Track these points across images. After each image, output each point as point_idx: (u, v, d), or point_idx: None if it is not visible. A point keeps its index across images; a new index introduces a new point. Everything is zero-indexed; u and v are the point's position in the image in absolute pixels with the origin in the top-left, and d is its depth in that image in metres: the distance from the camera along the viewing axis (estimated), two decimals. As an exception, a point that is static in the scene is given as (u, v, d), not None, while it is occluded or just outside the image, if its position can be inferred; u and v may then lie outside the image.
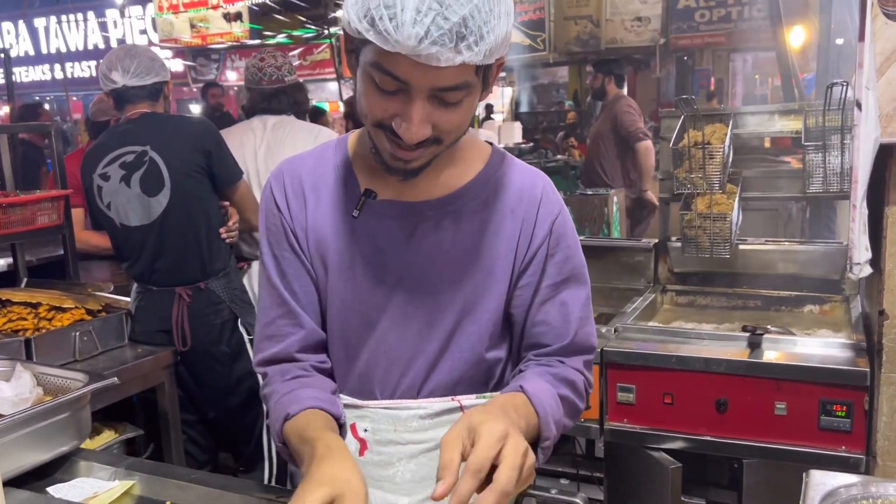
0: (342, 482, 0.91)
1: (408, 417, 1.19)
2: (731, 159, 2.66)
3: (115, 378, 1.49)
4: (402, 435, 1.20)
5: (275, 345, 1.19)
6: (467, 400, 1.20)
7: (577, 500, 1.09)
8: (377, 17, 0.91)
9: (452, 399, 1.20)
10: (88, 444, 1.55)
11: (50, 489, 1.31)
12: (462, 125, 1.07)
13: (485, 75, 1.03)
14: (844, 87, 2.37)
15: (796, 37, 6.41)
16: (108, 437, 2.29)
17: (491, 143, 1.25)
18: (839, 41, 4.63)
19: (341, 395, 1.23)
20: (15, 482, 1.29)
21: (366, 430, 1.21)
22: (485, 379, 1.23)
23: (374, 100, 1.02)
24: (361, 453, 1.21)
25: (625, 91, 5.32)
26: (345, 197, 1.18)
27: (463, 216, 1.16)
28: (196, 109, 17.12)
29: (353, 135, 1.24)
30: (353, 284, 1.17)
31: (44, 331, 2.23)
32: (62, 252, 2.88)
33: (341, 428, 1.13)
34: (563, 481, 2.82)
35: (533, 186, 1.18)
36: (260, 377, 1.23)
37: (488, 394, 1.23)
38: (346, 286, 1.18)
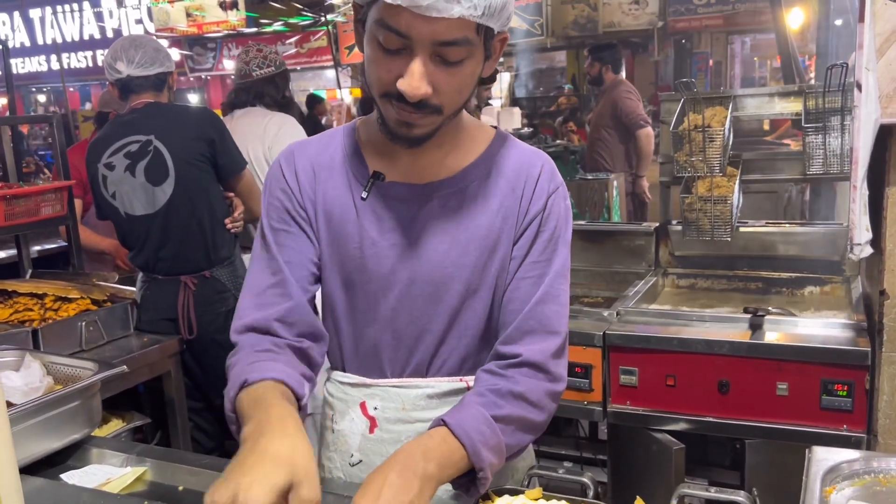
0: (300, 468, 0.88)
1: (416, 396, 1.22)
2: (731, 142, 2.67)
3: (125, 366, 1.50)
4: (410, 413, 1.22)
5: (257, 311, 1.16)
6: (473, 381, 1.22)
7: (585, 480, 1.10)
8: None
9: (460, 380, 1.23)
10: (96, 433, 1.57)
11: (63, 476, 1.33)
12: (462, 91, 1.08)
13: (486, 41, 1.05)
14: (844, 69, 2.37)
15: (795, 18, 6.39)
16: (115, 425, 2.31)
17: (496, 127, 1.27)
18: (838, 22, 4.63)
19: (348, 374, 1.25)
20: (28, 470, 1.30)
21: (375, 409, 1.23)
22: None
23: (380, 62, 1.04)
24: (371, 431, 1.24)
25: (623, 75, 5.31)
26: (354, 179, 1.20)
27: (467, 196, 1.18)
28: (194, 99, 17.11)
29: (361, 121, 1.26)
30: (360, 264, 1.19)
31: (50, 321, 2.25)
32: (64, 243, 2.90)
33: (301, 410, 1.07)
34: (567, 464, 2.84)
35: (531, 165, 1.20)
36: (234, 346, 1.18)
37: None
38: (354, 266, 1.20)
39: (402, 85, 1.02)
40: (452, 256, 1.17)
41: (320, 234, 1.21)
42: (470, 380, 1.22)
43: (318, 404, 1.35)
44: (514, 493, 1.04)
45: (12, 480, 1.00)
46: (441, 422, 1.05)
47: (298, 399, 1.07)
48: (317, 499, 0.87)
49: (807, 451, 0.88)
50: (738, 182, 2.63)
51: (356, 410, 1.25)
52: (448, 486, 1.06)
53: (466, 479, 1.06)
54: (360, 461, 1.26)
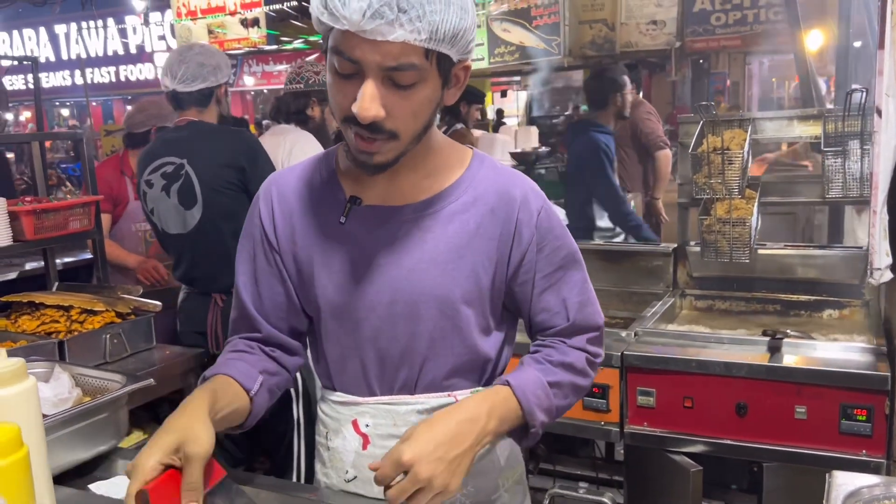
0: (188, 430, 1.00)
1: (406, 412, 1.25)
2: (750, 164, 2.68)
3: (152, 379, 1.53)
4: (402, 429, 1.23)
5: (232, 335, 1.33)
6: (462, 395, 1.25)
7: (605, 500, 1.11)
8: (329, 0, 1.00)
9: (448, 395, 1.25)
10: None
11: (91, 486, 1.36)
12: (417, 116, 1.11)
13: (440, 67, 1.08)
14: (864, 94, 2.38)
15: (814, 40, 6.39)
16: (137, 437, 2.34)
17: (472, 148, 1.30)
18: (857, 44, 4.62)
19: (339, 393, 1.29)
20: (57, 480, 1.33)
21: (367, 426, 1.27)
22: (478, 372, 1.28)
23: (337, 87, 1.09)
24: (364, 447, 1.27)
25: (640, 95, 5.32)
26: (331, 205, 1.24)
27: (444, 218, 1.21)
28: (213, 114, 17.23)
29: (342, 145, 1.28)
30: (343, 287, 1.23)
31: (76, 333, 2.29)
32: (89, 256, 2.95)
33: (252, 401, 1.20)
34: (583, 484, 2.84)
35: (513, 186, 1.23)
36: None
37: (482, 388, 1.27)
38: (337, 289, 1.23)
39: (354, 107, 1.05)
40: (432, 277, 1.20)
41: (300, 262, 1.26)
42: (458, 395, 1.25)
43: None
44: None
45: (46, 490, 1.03)
46: (505, 381, 1.18)
47: (248, 391, 1.19)
48: (200, 452, 0.99)
49: (827, 475, 0.89)
50: (756, 204, 2.64)
51: (348, 428, 1.28)
52: None
53: (518, 431, 1.22)
54: (355, 477, 1.29)
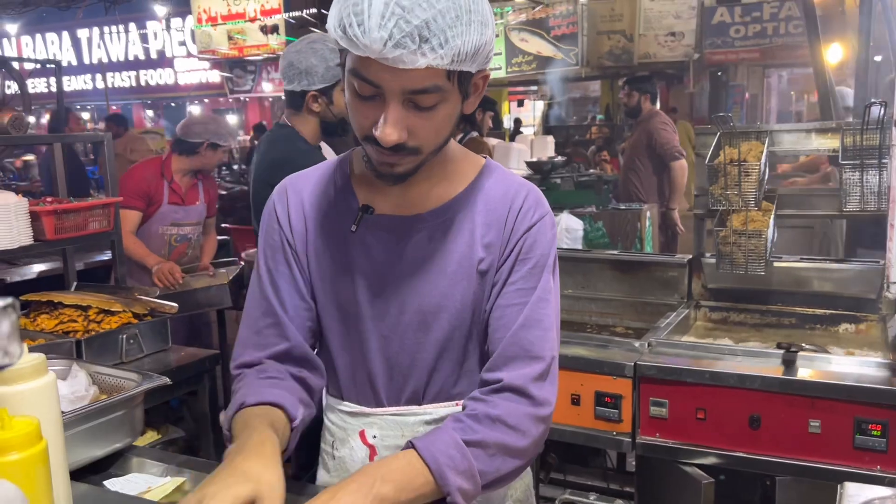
0: (266, 485, 0.92)
1: (414, 423, 1.25)
2: (766, 177, 2.67)
3: (167, 378, 1.55)
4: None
5: (258, 352, 1.23)
6: None
7: (616, 507, 1.10)
8: (347, 25, 0.97)
9: (456, 404, 1.25)
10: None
11: (106, 483, 1.37)
12: (440, 133, 1.11)
13: (461, 83, 1.07)
14: (883, 107, 2.37)
15: (834, 53, 6.37)
16: (150, 437, 2.36)
17: (486, 158, 1.29)
18: (877, 58, 4.60)
19: (347, 403, 1.28)
20: (73, 476, 1.34)
21: (374, 437, 1.26)
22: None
23: (357, 108, 1.08)
24: (371, 458, 1.26)
25: (657, 106, 5.33)
26: (344, 212, 1.24)
27: (453, 227, 1.20)
28: (233, 120, 17.44)
29: (356, 151, 1.28)
30: (352, 297, 1.23)
31: (93, 333, 2.32)
32: (107, 257, 2.98)
33: (293, 431, 1.14)
34: (593, 495, 2.83)
35: (515, 195, 1.22)
36: (234, 378, 1.24)
37: None
38: (346, 299, 1.23)
39: (377, 134, 1.05)
40: (440, 287, 1.19)
41: (311, 267, 1.25)
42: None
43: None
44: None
45: (63, 485, 1.04)
46: (410, 444, 1.06)
47: (291, 420, 1.13)
48: None
49: (839, 486, 0.88)
50: (773, 217, 2.63)
51: (356, 439, 1.28)
52: None
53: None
54: None
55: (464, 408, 1.15)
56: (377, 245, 1.21)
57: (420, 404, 1.25)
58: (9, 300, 0.71)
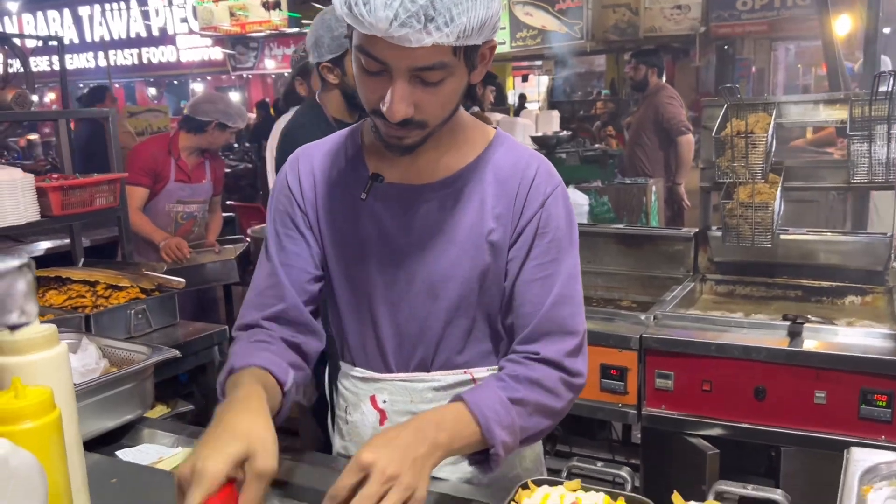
0: (257, 440, 0.92)
1: (423, 389, 1.27)
2: (773, 149, 2.66)
3: (177, 351, 1.56)
4: (419, 406, 1.26)
5: (255, 311, 1.24)
6: (479, 373, 1.27)
7: (623, 474, 1.12)
8: (353, 3, 0.97)
9: (465, 372, 1.26)
10: (145, 416, 1.63)
11: (118, 453, 1.39)
12: (446, 106, 1.12)
13: (467, 57, 1.07)
14: (891, 77, 2.35)
15: (842, 25, 6.29)
16: (160, 411, 2.37)
17: (497, 128, 1.29)
18: (886, 30, 4.55)
19: (358, 369, 1.30)
20: (86, 447, 1.36)
21: (384, 402, 1.28)
22: (495, 351, 1.28)
23: (364, 83, 1.09)
24: (381, 423, 1.29)
25: (664, 80, 5.29)
26: (354, 181, 1.24)
27: (463, 197, 1.21)
28: (235, 97, 17.36)
29: (367, 123, 1.28)
30: (362, 264, 1.24)
31: (101, 308, 2.33)
32: (114, 234, 2.99)
33: (285, 396, 1.14)
34: (601, 463, 2.85)
35: (527, 166, 1.22)
36: (234, 340, 1.25)
37: (497, 366, 1.27)
38: (356, 266, 1.24)
39: (384, 110, 1.06)
40: (450, 256, 1.20)
41: (323, 235, 1.26)
42: (474, 372, 1.26)
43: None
44: (552, 484, 1.06)
45: (77, 455, 1.05)
46: (459, 397, 1.10)
47: (282, 385, 1.13)
48: (270, 469, 0.91)
49: (845, 451, 0.89)
50: (779, 189, 2.62)
51: (367, 404, 1.30)
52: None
53: (481, 456, 1.11)
54: None
55: (500, 368, 1.20)
56: (386, 214, 1.22)
57: (428, 371, 1.27)
58: (24, 259, 0.71)
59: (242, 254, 3.62)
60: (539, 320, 1.18)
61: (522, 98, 13.10)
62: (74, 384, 1.41)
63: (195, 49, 16.70)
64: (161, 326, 2.50)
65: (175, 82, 19.08)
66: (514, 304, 1.21)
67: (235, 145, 9.98)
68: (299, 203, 1.27)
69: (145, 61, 17.41)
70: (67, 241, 3.08)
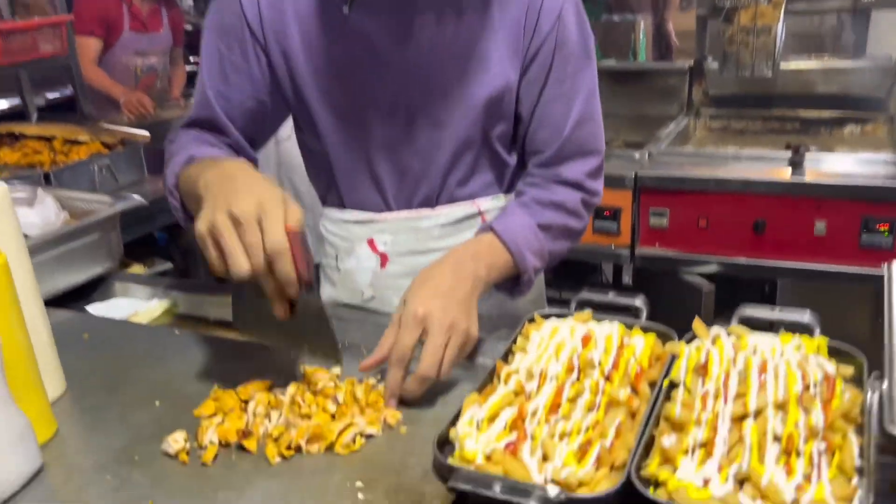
0: (268, 192, 0.81)
1: (429, 227, 1.17)
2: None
3: (141, 197, 1.44)
4: (426, 243, 1.17)
5: (194, 147, 1.07)
6: (484, 203, 1.18)
7: (637, 303, 1.05)
8: None
9: (472, 203, 1.17)
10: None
11: (88, 307, 1.30)
12: None
13: None
14: None
15: None
16: (137, 271, 2.29)
17: None
18: None
19: (351, 211, 1.18)
20: (52, 303, 1.27)
21: (385, 244, 1.18)
22: (500, 179, 1.20)
23: None
24: (383, 265, 1.19)
25: None
26: None
27: (463, 9, 1.05)
28: None
29: None
30: (349, 89, 1.08)
31: (61, 165, 2.17)
32: (69, 91, 2.77)
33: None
34: (612, 293, 2.84)
35: None
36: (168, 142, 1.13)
37: (503, 195, 1.20)
38: (342, 91, 1.09)
39: None
40: (451, 74, 1.06)
41: (298, 65, 1.08)
42: (482, 203, 1.18)
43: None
44: (560, 317, 0.98)
45: (38, 309, 0.95)
46: (488, 228, 1.06)
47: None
48: (302, 215, 0.82)
49: (884, 265, 0.82)
50: (783, 11, 2.44)
51: (363, 248, 1.19)
52: None
53: (510, 283, 1.10)
54: (373, 297, 1.21)
55: (518, 193, 1.16)
56: (376, 29, 1.04)
57: (433, 207, 1.16)
58: None
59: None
60: (562, 143, 1.12)
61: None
62: (32, 236, 1.30)
63: None
64: (129, 183, 2.35)
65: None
66: (532, 126, 1.13)
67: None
68: (252, 24, 1.07)
69: None
70: (18, 100, 2.84)
